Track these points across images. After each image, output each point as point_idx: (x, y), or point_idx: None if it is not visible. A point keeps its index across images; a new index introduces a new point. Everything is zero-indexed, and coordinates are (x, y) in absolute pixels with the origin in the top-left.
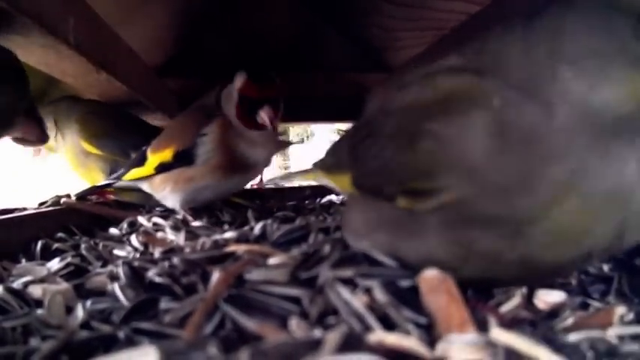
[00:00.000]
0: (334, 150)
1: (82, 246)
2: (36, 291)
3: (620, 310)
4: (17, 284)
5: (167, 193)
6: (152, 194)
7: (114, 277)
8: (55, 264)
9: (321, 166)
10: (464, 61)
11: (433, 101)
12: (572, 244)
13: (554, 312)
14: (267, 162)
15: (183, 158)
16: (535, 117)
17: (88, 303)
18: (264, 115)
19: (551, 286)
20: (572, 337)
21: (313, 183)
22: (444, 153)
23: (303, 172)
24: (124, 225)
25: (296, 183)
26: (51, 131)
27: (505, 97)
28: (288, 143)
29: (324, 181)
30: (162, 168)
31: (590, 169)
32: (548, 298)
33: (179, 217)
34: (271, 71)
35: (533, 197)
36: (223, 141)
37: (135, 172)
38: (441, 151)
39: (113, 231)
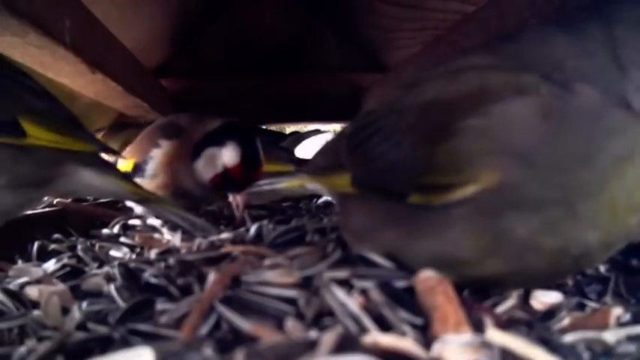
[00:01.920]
0: (326, 152)
1: (79, 247)
2: (32, 292)
3: (617, 310)
4: (13, 285)
5: (132, 202)
6: None
7: (110, 278)
8: (51, 265)
9: (310, 170)
10: (493, 60)
11: (462, 96)
12: (620, 223)
13: (551, 312)
14: (212, 198)
15: (138, 170)
16: (596, 103)
17: (84, 304)
18: (239, 202)
19: (548, 286)
20: (569, 338)
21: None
22: (485, 142)
23: (289, 179)
24: (120, 226)
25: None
26: None
27: (551, 87)
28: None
29: (312, 186)
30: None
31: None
32: (544, 298)
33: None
34: (259, 148)
35: (592, 170)
36: (170, 166)
37: None
38: (481, 141)
39: (109, 232)
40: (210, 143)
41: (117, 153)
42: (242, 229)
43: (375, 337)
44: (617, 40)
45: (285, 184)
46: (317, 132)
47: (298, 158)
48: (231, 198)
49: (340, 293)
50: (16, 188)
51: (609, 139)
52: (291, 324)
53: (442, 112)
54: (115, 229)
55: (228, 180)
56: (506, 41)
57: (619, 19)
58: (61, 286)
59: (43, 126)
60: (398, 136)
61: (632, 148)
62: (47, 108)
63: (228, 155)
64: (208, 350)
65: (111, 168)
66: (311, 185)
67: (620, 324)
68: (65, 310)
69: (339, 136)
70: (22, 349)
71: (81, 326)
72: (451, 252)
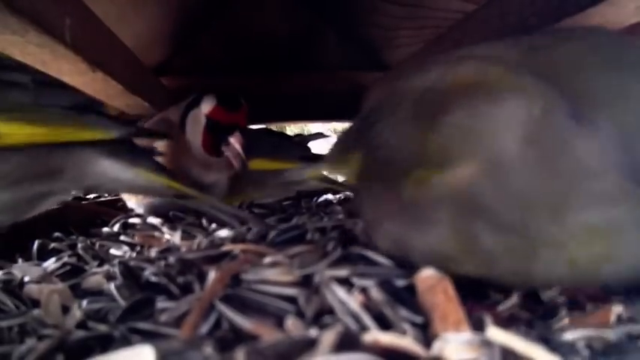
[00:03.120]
0: (342, 140)
1: (79, 245)
2: (32, 291)
3: (617, 309)
4: (14, 284)
5: (133, 203)
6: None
7: (110, 277)
8: (51, 263)
9: (329, 158)
10: (510, 54)
11: (455, 87)
12: (574, 275)
13: (552, 311)
14: (223, 183)
15: None
16: (599, 146)
17: (85, 303)
18: (234, 142)
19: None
20: (569, 336)
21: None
22: (465, 140)
23: (312, 168)
24: (120, 224)
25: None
26: None
27: (557, 106)
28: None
29: (333, 175)
30: None
31: (624, 220)
32: (545, 296)
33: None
34: (239, 95)
35: (558, 226)
36: (173, 163)
37: None
38: (462, 138)
39: (109, 230)
40: (189, 110)
41: (161, 136)
42: (243, 228)
43: (375, 335)
44: None
45: (309, 174)
46: (320, 135)
47: (313, 154)
48: (226, 151)
49: (340, 292)
50: (7, 186)
51: (592, 202)
52: (291, 322)
53: (434, 102)
54: (115, 228)
55: (214, 129)
56: (539, 39)
57: None
58: (61, 285)
59: (22, 122)
60: (396, 123)
61: (610, 221)
62: (33, 100)
63: (205, 105)
64: (209, 349)
65: (142, 158)
66: (331, 175)
67: (621, 322)
68: (65, 309)
69: (350, 127)
70: (23, 348)
71: (81, 325)
72: (440, 247)
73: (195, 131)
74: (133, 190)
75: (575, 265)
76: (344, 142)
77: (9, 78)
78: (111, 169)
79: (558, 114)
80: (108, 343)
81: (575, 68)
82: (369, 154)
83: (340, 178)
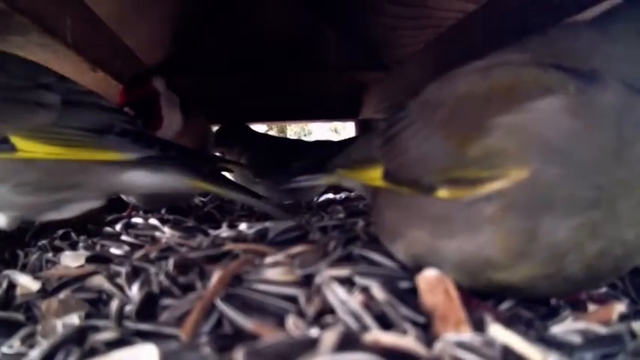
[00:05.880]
0: (361, 146)
1: (80, 245)
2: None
3: (620, 307)
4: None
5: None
6: None
7: (111, 277)
8: None
9: (345, 164)
10: (526, 56)
11: (495, 92)
12: None
13: (554, 309)
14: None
15: None
16: (622, 95)
17: (86, 302)
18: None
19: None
20: (571, 335)
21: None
22: (516, 139)
23: (326, 175)
24: (122, 224)
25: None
26: None
27: (577, 83)
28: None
29: (348, 182)
30: None
31: None
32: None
33: (176, 216)
34: (153, 74)
35: (625, 166)
36: None
37: None
38: (512, 138)
39: (111, 230)
40: None
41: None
42: (243, 227)
43: (376, 335)
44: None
45: (323, 180)
46: None
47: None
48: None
49: (341, 291)
50: (27, 193)
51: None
52: (292, 322)
53: (474, 107)
54: (117, 228)
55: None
56: (536, 37)
57: None
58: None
59: (41, 140)
60: (429, 129)
61: None
62: (56, 122)
63: None
64: (207, 349)
65: (169, 163)
66: (346, 181)
67: (623, 320)
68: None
69: (374, 130)
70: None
71: (83, 324)
72: (480, 253)
73: None
74: (160, 190)
75: None
76: (363, 152)
77: (38, 99)
78: (136, 177)
79: (579, 82)
80: (111, 343)
81: (558, 46)
82: (393, 160)
83: (355, 185)
